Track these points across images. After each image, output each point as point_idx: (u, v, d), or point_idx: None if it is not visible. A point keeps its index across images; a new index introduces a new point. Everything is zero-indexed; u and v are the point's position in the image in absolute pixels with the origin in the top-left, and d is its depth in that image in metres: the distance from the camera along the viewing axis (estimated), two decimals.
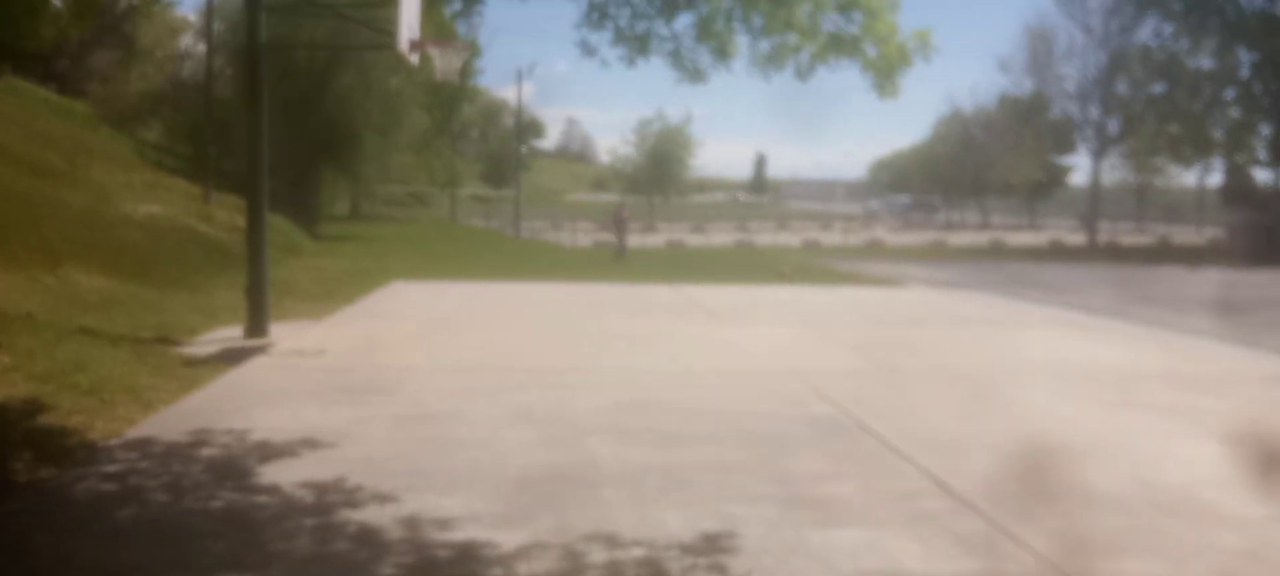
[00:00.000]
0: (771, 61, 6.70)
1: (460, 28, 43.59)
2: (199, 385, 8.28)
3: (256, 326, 10.85)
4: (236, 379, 8.73)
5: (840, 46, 6.52)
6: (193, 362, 9.19)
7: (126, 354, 8.82)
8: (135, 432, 6.61)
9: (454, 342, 11.49)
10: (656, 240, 41.10)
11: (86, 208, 17.35)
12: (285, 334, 11.13)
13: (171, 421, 6.99)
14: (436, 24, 27.83)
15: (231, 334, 10.90)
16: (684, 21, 7.22)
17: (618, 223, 31.15)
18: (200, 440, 6.47)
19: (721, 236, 46.37)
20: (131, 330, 10.18)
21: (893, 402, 8.43)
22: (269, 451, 6.24)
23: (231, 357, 9.58)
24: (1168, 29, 44.26)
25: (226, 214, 22.53)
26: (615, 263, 27.36)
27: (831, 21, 6.54)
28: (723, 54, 6.97)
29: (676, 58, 7.19)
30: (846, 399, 8.38)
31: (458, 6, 8.06)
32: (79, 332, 9.17)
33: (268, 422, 6.99)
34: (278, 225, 22.36)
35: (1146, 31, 44.63)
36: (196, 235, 19.42)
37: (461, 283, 19.02)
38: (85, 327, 9.52)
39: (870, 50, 6.48)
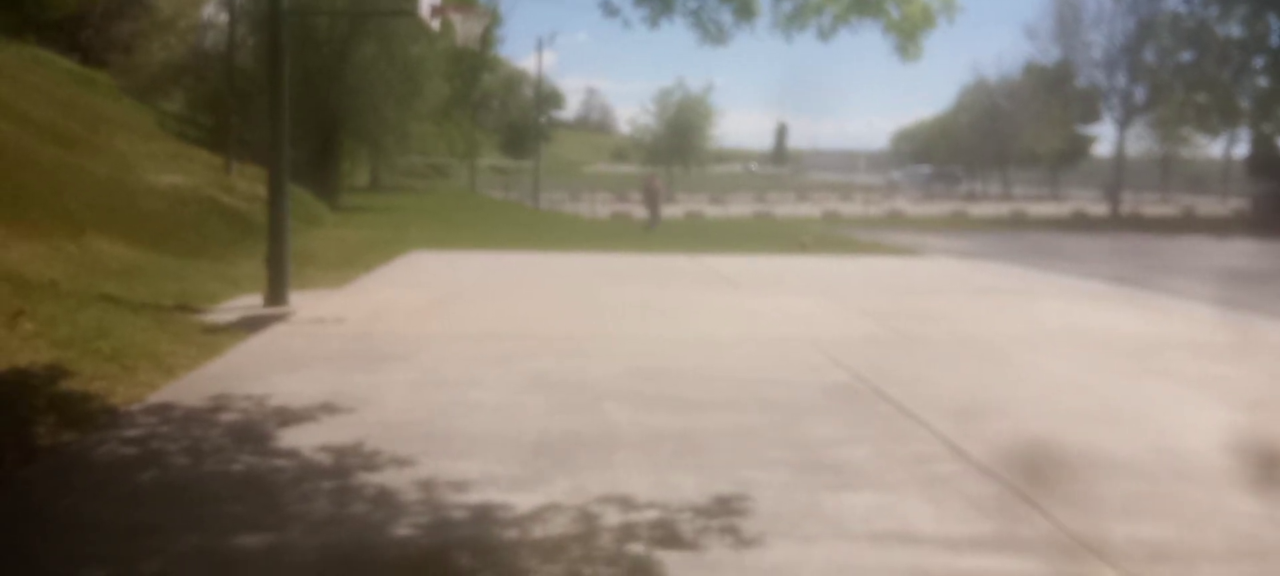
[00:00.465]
0: (794, 21, 6.63)
1: None
2: (219, 352, 8.35)
3: (277, 294, 10.92)
4: (256, 345, 8.80)
5: (863, 6, 6.45)
6: (213, 329, 9.26)
7: (148, 320, 8.90)
8: (156, 398, 6.68)
9: (471, 311, 11.52)
10: (676, 211, 40.99)
11: (109, 177, 17.48)
12: (305, 302, 11.20)
13: (192, 387, 7.06)
14: None
15: (252, 302, 10.98)
16: None
17: (650, 193, 30.85)
18: (220, 405, 6.53)
19: (741, 207, 46.21)
20: (153, 297, 10.27)
21: (909, 370, 8.41)
22: (288, 416, 6.29)
23: (252, 325, 9.65)
24: None
25: (248, 184, 22.63)
26: (646, 233, 27.18)
27: None
28: (746, 12, 6.91)
29: (698, 17, 7.14)
30: (863, 366, 8.36)
31: None
32: (101, 299, 9.25)
33: (287, 388, 7.05)
34: (298, 195, 22.44)
35: None
36: (218, 205, 19.53)
37: (480, 253, 19.06)
38: (107, 295, 9.61)
39: (893, 11, 6.40)
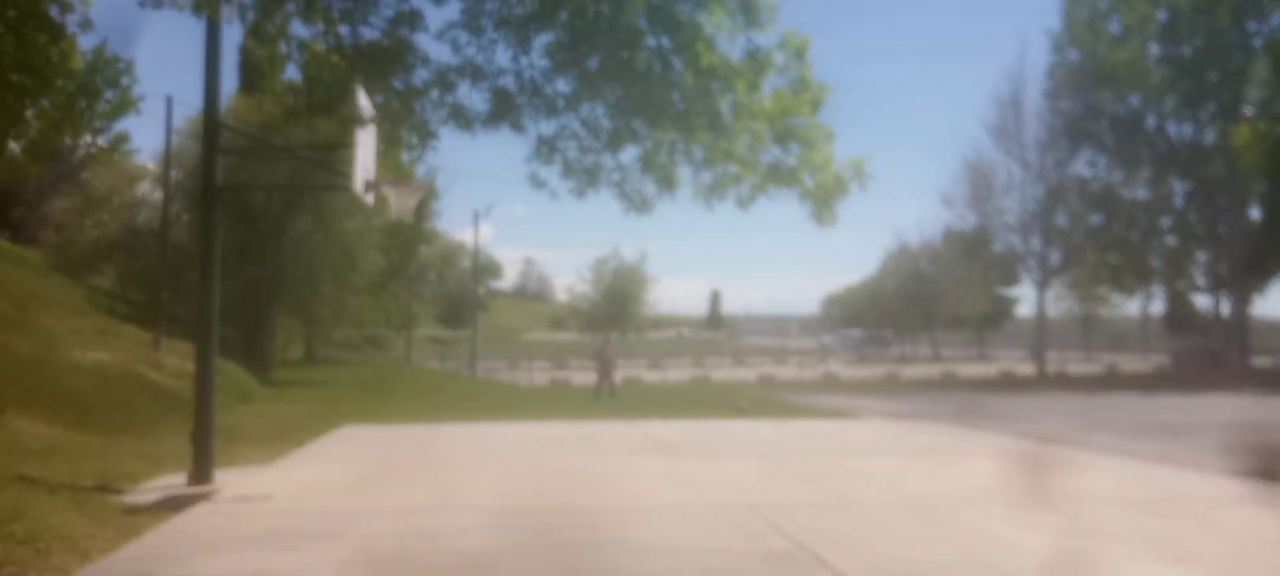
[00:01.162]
0: (714, 192, 6.91)
1: (419, 171, 44.31)
2: (138, 533, 8.03)
3: (201, 472, 10.60)
4: (178, 526, 8.48)
5: (779, 176, 6.76)
6: (133, 510, 8.93)
7: (65, 502, 8.57)
8: None
9: (403, 486, 11.28)
10: (615, 377, 41.00)
11: (33, 354, 17.06)
12: (231, 480, 10.88)
13: (108, 571, 6.77)
14: (393, 166, 28.26)
15: (175, 481, 10.63)
16: (629, 154, 7.49)
17: (602, 360, 30.62)
18: None
19: (678, 372, 46.44)
20: (72, 478, 9.90)
21: (849, 533, 8.38)
22: None
23: (174, 505, 9.33)
24: (1102, 160, 46.09)
25: (177, 360, 22.22)
26: (593, 401, 26.93)
27: (770, 153, 6.79)
28: (668, 184, 7.20)
29: (623, 189, 7.41)
30: (803, 531, 8.32)
31: (413, 140, 8.22)
32: (17, 480, 8.90)
33: (209, 570, 6.79)
34: (228, 370, 22.09)
35: (1081, 164, 46.38)
36: (144, 382, 19.09)
37: (414, 425, 18.79)
38: (24, 476, 9.25)
39: (807, 180, 6.71)
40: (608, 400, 27.17)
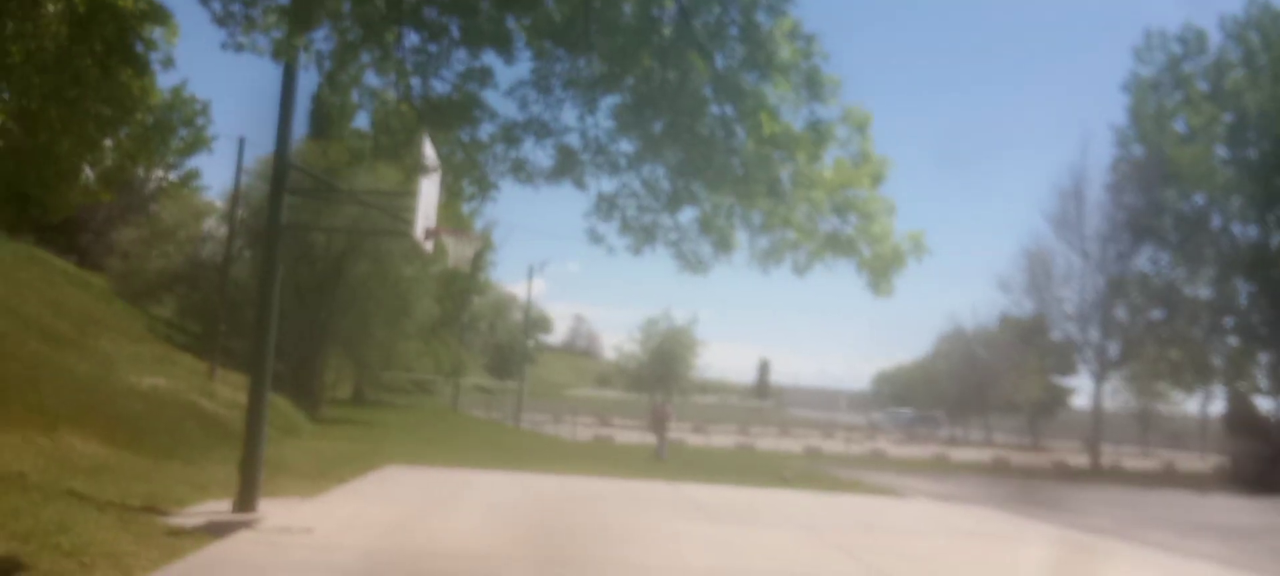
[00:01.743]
0: (770, 256, 6.95)
1: (477, 223, 45.02)
2: (180, 555, 8.15)
3: (246, 501, 10.74)
4: (219, 552, 8.60)
5: (836, 245, 6.78)
6: (177, 532, 9.06)
7: (112, 519, 8.73)
8: None
9: (443, 528, 11.32)
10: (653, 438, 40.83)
11: (90, 375, 17.48)
12: (274, 510, 11.00)
13: None
14: (453, 216, 28.74)
15: (220, 508, 10.78)
16: (688, 215, 7.55)
17: (658, 420, 29.98)
18: None
19: (723, 438, 46.08)
20: (120, 497, 10.09)
21: None
22: None
23: (217, 530, 9.45)
24: (1165, 258, 45.25)
25: (230, 391, 22.61)
26: (660, 462, 26.47)
27: (829, 222, 6.82)
28: (724, 246, 7.26)
29: (679, 249, 7.48)
30: None
31: (474, 191, 8.38)
32: (67, 495, 9.10)
33: None
34: (278, 405, 22.41)
35: (1144, 259, 45.57)
36: (197, 409, 19.43)
37: (457, 470, 18.85)
38: (74, 491, 9.46)
39: (865, 250, 6.72)
40: (666, 460, 26.77)
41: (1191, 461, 50.95)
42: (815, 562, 10.67)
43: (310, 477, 14.96)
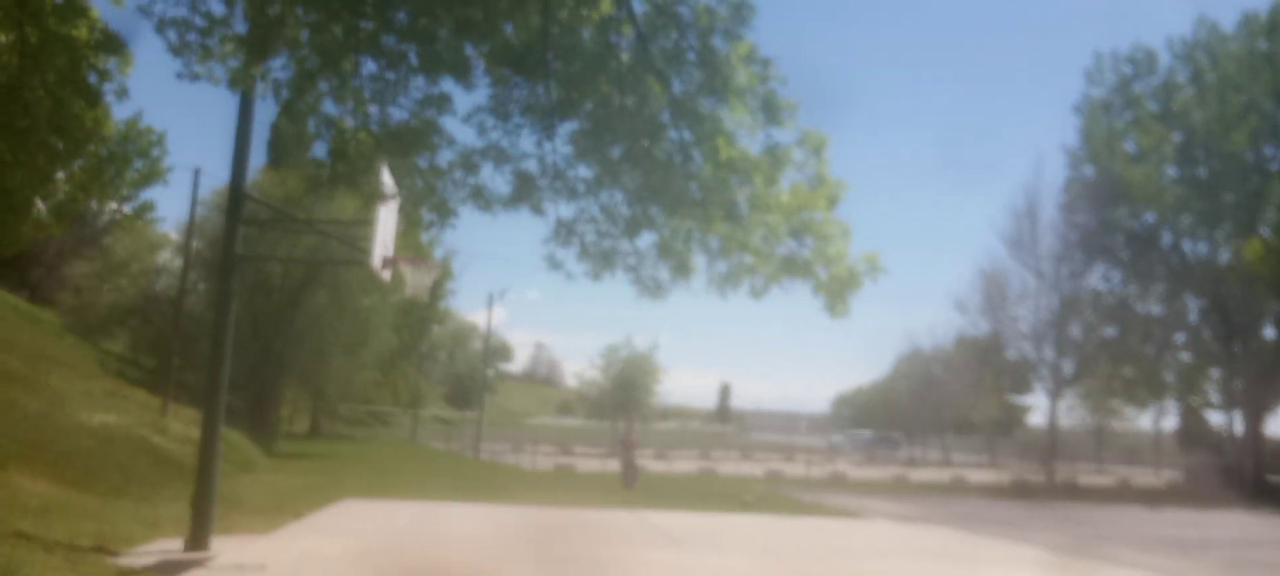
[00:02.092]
0: (728, 280, 6.98)
1: (436, 252, 44.79)
2: None
3: (198, 539, 10.52)
4: None
5: (793, 268, 6.83)
6: (127, 573, 8.86)
7: (60, 561, 8.51)
8: None
9: (399, 563, 11.17)
10: (619, 466, 40.67)
11: (40, 412, 17.08)
12: (228, 547, 10.79)
13: None
14: (412, 245, 28.54)
15: (172, 546, 10.55)
16: (646, 240, 7.58)
17: (626, 447, 29.66)
18: None
19: (685, 463, 45.99)
20: (69, 537, 9.84)
21: None
22: None
23: (168, 569, 9.25)
24: (1117, 275, 46.08)
25: (182, 426, 22.19)
26: (631, 490, 26.17)
27: (785, 246, 6.86)
28: (682, 271, 7.28)
29: (638, 274, 7.48)
30: None
31: (433, 218, 8.33)
32: (14, 537, 8.86)
33: None
34: (232, 439, 22.04)
35: (1096, 277, 46.34)
36: (148, 446, 19.04)
37: (414, 503, 18.62)
38: (21, 532, 9.20)
39: (821, 272, 6.77)
40: (635, 488, 26.54)
41: (1146, 476, 51.74)
42: None
43: (265, 513, 14.70)
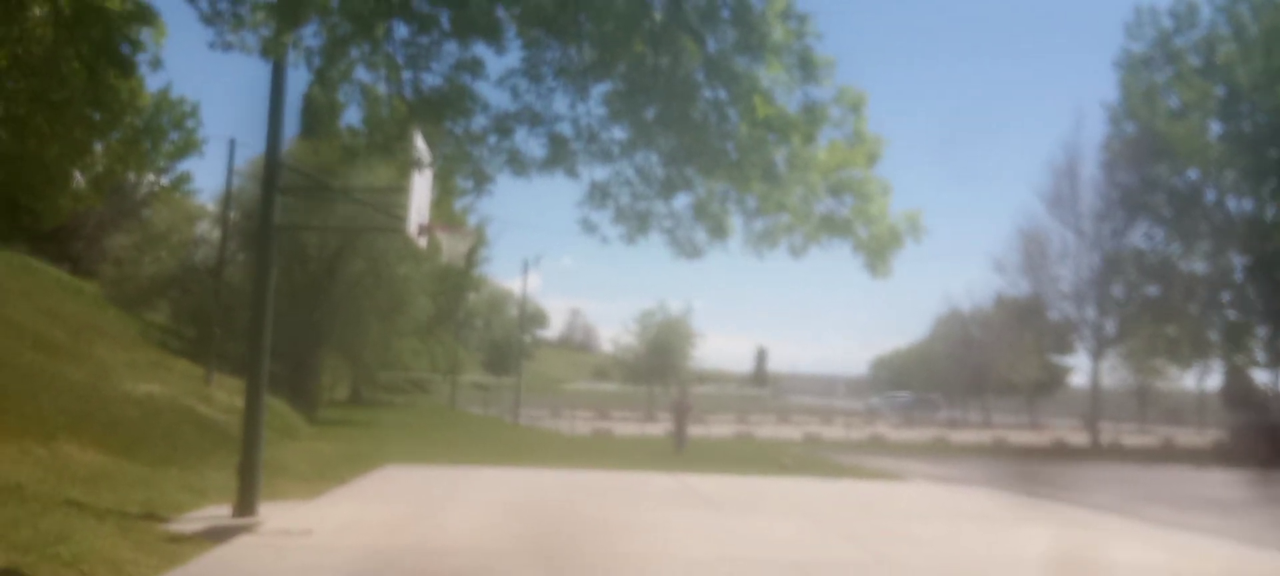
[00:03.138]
0: (765, 240, 6.89)
1: (471, 220, 44.93)
2: (180, 561, 8.08)
3: (245, 505, 10.67)
4: (220, 556, 8.53)
5: (832, 227, 6.72)
6: (177, 539, 9.00)
7: (111, 528, 8.65)
8: None
9: (442, 527, 11.26)
10: (656, 430, 40.84)
11: (86, 383, 17.37)
12: (274, 513, 10.94)
13: None
14: (447, 213, 28.57)
15: (220, 512, 10.71)
16: (681, 202, 7.49)
17: (679, 412, 29.58)
18: None
19: (722, 427, 46.06)
20: (118, 505, 10.01)
21: None
22: None
23: (217, 535, 9.38)
24: (1159, 233, 45.25)
25: (226, 396, 22.51)
26: (670, 454, 26.08)
27: (824, 204, 6.76)
28: (719, 232, 7.20)
29: (674, 235, 7.41)
30: None
31: (469, 184, 8.30)
32: (65, 505, 9.02)
33: None
34: (275, 408, 22.31)
35: (1138, 235, 45.54)
36: (193, 415, 19.32)
37: (456, 468, 18.79)
38: (72, 500, 9.37)
39: (861, 231, 6.66)
40: (682, 453, 26.49)
41: (1189, 437, 51.07)
42: (820, 549, 10.63)
43: (309, 480, 14.90)
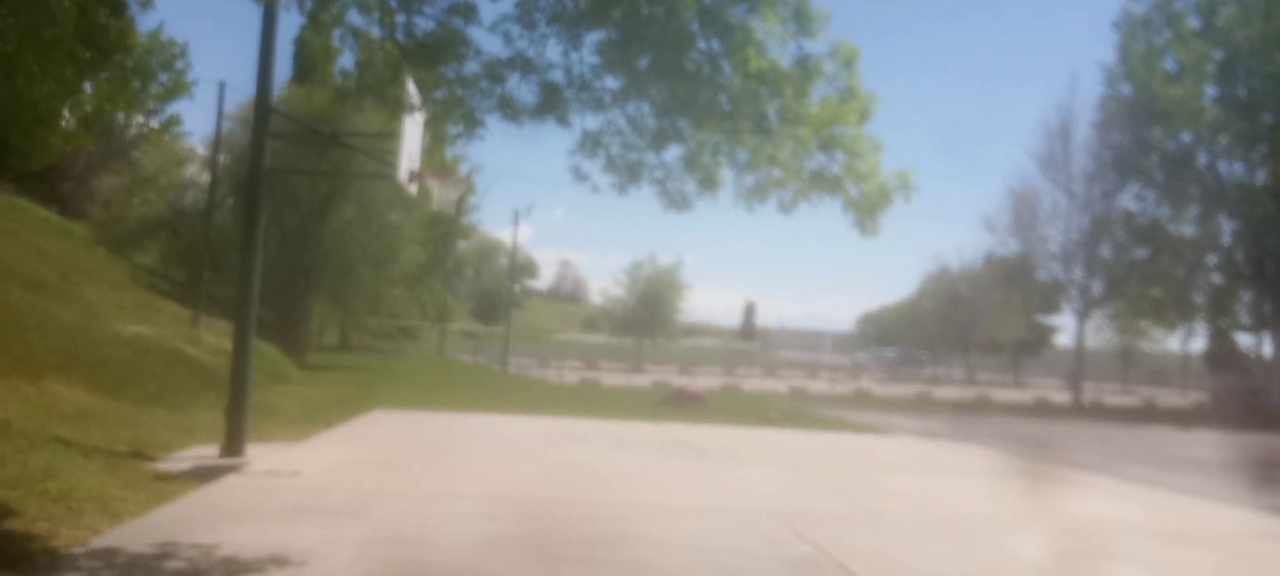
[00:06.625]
0: (755, 194, 6.90)
1: (461, 169, 44.72)
2: (168, 499, 8.15)
3: (233, 445, 10.74)
4: (208, 495, 8.61)
5: (822, 183, 6.74)
6: (165, 477, 9.06)
7: (98, 465, 8.72)
8: (100, 542, 6.48)
9: (429, 469, 11.36)
10: (644, 381, 41.07)
11: (74, 323, 17.37)
12: (262, 454, 11.01)
13: (137, 533, 6.87)
14: (437, 162, 28.41)
15: (207, 452, 10.78)
16: (673, 153, 7.49)
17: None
18: (165, 553, 6.34)
19: (709, 380, 46.33)
20: (106, 443, 10.07)
21: (872, 545, 8.33)
22: (234, 567, 6.12)
23: (205, 474, 9.46)
24: (1150, 196, 45.39)
25: (214, 337, 22.54)
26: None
27: (815, 160, 6.77)
28: (710, 184, 7.20)
29: (664, 187, 7.42)
30: (826, 540, 8.28)
31: (460, 130, 8.26)
32: (53, 442, 9.08)
33: (235, 539, 6.87)
34: (264, 351, 22.37)
35: (1129, 197, 45.70)
36: (181, 356, 19.37)
37: (444, 413, 18.90)
38: (60, 438, 9.43)
39: (852, 189, 6.68)
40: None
41: (1172, 398, 51.62)
42: (800, 498, 10.77)
43: (297, 422, 14.98)
